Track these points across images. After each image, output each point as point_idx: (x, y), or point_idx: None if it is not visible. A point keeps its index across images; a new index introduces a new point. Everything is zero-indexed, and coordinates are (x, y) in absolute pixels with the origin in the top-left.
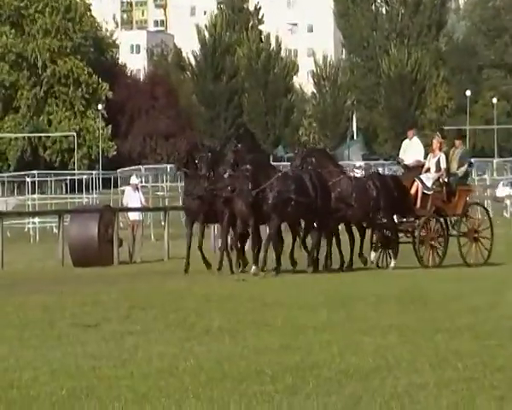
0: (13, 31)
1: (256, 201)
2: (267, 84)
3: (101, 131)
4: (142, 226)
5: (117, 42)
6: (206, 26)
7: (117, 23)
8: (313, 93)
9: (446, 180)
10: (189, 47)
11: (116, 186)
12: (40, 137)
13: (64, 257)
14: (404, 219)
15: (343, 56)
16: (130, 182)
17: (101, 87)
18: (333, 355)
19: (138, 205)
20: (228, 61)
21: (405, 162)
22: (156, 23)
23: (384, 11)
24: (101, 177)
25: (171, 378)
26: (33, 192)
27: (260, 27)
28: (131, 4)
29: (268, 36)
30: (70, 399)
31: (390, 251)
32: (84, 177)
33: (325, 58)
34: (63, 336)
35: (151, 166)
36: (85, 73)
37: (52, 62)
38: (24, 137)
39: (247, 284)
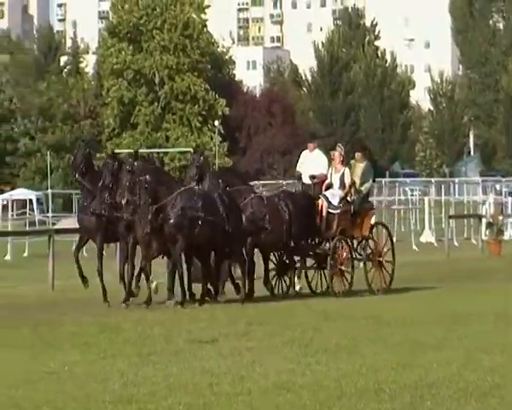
0: (131, 47)
1: (155, 220)
2: (383, 101)
3: (217, 148)
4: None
5: (233, 58)
6: (322, 43)
7: (233, 39)
8: (430, 109)
9: (353, 198)
10: (305, 63)
11: None
12: (158, 153)
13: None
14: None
15: (460, 72)
16: None
17: (218, 103)
18: (451, 373)
19: None
20: (344, 78)
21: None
22: (272, 39)
23: (502, 26)
24: None
25: (288, 395)
26: None
27: (376, 43)
28: (248, 21)
29: (384, 52)
30: None
31: (286, 277)
32: None
33: (442, 74)
34: (180, 352)
35: (268, 181)
36: (202, 89)
37: (170, 79)
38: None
39: (362, 301)
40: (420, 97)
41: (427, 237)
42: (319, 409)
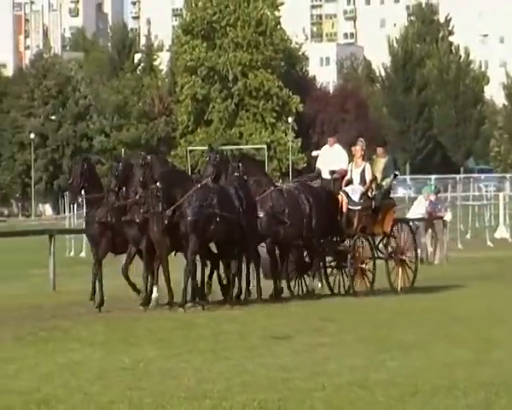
0: (205, 44)
1: (173, 221)
2: (457, 96)
3: (291, 144)
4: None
5: (307, 55)
6: (396, 39)
7: (307, 36)
8: (504, 104)
9: (374, 194)
10: (379, 59)
11: None
12: (231, 150)
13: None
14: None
15: None
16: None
17: (292, 100)
18: None
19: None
20: (418, 73)
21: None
22: (346, 35)
23: None
24: None
25: (362, 391)
26: None
27: (450, 38)
28: (321, 17)
29: (458, 47)
30: None
31: (304, 278)
32: None
33: None
34: (255, 348)
35: None
36: (276, 85)
37: (243, 76)
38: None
39: (433, 298)
40: (494, 93)
41: (502, 232)
42: (393, 406)
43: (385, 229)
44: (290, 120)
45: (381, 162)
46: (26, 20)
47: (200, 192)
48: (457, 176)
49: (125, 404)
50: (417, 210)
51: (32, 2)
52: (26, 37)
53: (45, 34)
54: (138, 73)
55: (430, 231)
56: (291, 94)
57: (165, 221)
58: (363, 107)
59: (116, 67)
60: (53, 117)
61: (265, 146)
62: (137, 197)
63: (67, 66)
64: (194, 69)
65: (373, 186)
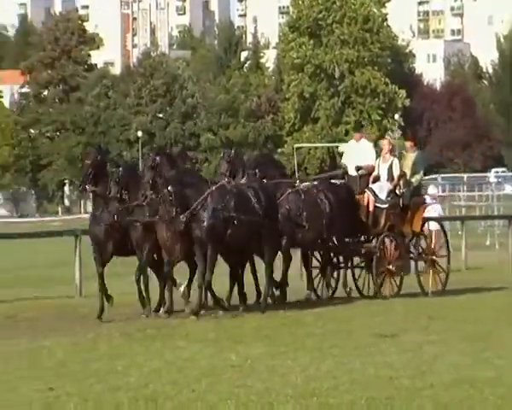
0: (311, 42)
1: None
2: None
3: (398, 142)
4: (441, 236)
5: (413, 51)
6: (504, 35)
7: (414, 33)
8: None
9: (402, 191)
10: (486, 56)
11: None
12: (337, 147)
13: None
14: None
15: None
16: (429, 192)
17: (399, 96)
18: None
19: (436, 215)
20: None
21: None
22: (453, 32)
23: None
24: None
25: (471, 389)
26: None
27: None
28: (428, 14)
29: None
30: (370, 409)
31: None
32: None
33: None
34: (362, 347)
35: (448, 175)
36: (382, 82)
37: (350, 73)
38: (323, 147)
39: None
40: None
41: None
42: (501, 405)
43: (414, 228)
44: (397, 116)
45: (410, 157)
46: (134, 19)
47: (216, 194)
48: None
49: (233, 401)
50: None
51: (139, 1)
52: (133, 35)
53: (152, 32)
54: (245, 71)
55: None
56: (397, 89)
57: (181, 227)
58: (471, 104)
59: (223, 65)
60: (160, 115)
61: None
62: (146, 201)
63: (174, 64)
64: (300, 67)
65: (401, 183)
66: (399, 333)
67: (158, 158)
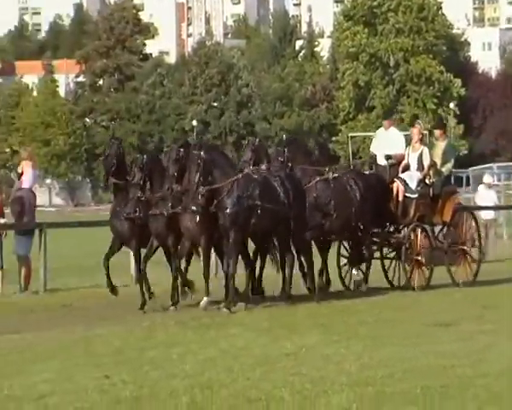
0: (366, 30)
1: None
2: None
3: (453, 130)
4: (494, 225)
5: (469, 40)
6: None
7: (469, 21)
8: None
9: (432, 180)
10: None
11: (468, 185)
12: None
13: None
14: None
15: None
16: (484, 181)
17: (454, 85)
18: None
19: (491, 204)
20: None
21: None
22: (508, 20)
23: None
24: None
25: None
26: None
27: None
28: (483, 2)
29: None
30: (425, 397)
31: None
32: None
33: None
34: (416, 335)
35: (503, 164)
36: (437, 71)
37: (405, 61)
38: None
39: None
40: None
41: None
42: None
43: (444, 218)
44: (452, 105)
45: (440, 146)
46: (189, 8)
47: (242, 182)
48: None
49: (287, 390)
50: None
51: None
52: (188, 24)
53: (207, 22)
54: (299, 59)
55: None
56: (452, 78)
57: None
58: None
59: (278, 54)
60: (215, 104)
61: (427, 132)
62: (172, 193)
63: (229, 53)
64: (355, 55)
65: (431, 172)
66: (453, 322)
67: (182, 150)
